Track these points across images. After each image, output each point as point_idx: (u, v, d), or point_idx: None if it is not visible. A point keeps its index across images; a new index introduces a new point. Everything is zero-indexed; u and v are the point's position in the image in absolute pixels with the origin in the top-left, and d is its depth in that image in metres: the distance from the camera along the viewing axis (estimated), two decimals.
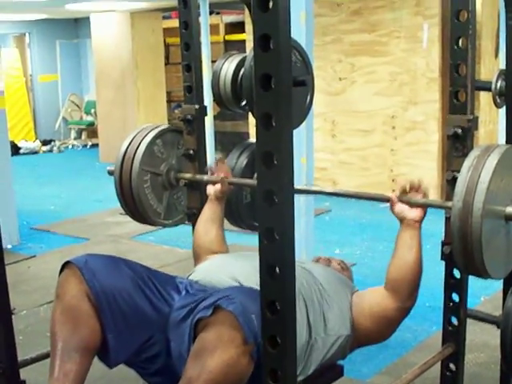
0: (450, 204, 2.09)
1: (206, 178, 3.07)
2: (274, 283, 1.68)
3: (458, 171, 2.44)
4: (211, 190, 3.00)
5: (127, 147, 3.06)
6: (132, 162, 3.02)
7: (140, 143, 3.04)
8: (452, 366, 2.76)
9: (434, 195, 7.60)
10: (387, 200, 2.56)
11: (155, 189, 3.11)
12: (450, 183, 2.49)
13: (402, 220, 2.53)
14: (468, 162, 2.08)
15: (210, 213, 2.98)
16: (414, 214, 2.50)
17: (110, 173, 3.10)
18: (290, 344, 1.73)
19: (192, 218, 3.23)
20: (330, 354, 2.49)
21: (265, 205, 1.64)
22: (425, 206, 2.50)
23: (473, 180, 2.02)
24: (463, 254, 2.02)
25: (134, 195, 3.03)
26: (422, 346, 3.91)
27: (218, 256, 2.83)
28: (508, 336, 2.51)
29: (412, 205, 2.49)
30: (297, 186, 1.88)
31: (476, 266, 2.02)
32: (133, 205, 3.07)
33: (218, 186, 2.97)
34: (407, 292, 2.51)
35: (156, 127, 3.14)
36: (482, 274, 2.07)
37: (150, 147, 3.06)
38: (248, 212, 3.09)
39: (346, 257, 5.52)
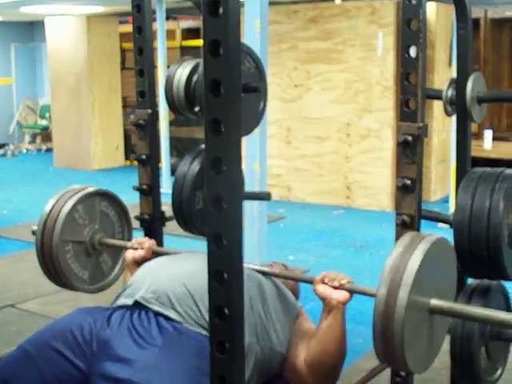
0: (374, 292, 2.01)
1: (129, 244, 3.04)
2: (221, 289, 1.68)
3: (408, 178, 2.48)
4: (130, 254, 2.98)
5: (47, 215, 2.96)
6: (52, 233, 2.93)
7: (59, 212, 2.95)
8: (402, 372, 2.77)
9: (387, 202, 7.67)
10: (311, 281, 2.49)
11: (79, 256, 3.04)
12: (399, 190, 2.51)
13: (324, 300, 2.44)
14: (396, 251, 2.01)
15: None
16: (338, 294, 2.41)
17: (34, 233, 3.02)
18: (239, 349, 1.73)
19: (144, 223, 3.22)
20: (270, 363, 2.50)
21: (213, 210, 1.63)
22: (349, 291, 2.42)
23: (400, 269, 1.95)
24: (383, 346, 1.95)
25: (56, 267, 2.96)
26: (373, 352, 3.92)
27: (153, 262, 2.80)
28: (458, 342, 2.53)
29: (336, 287, 2.41)
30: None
31: (397, 360, 1.96)
32: (56, 274, 3.01)
33: (140, 252, 2.95)
34: (325, 374, 2.49)
35: (77, 192, 3.04)
36: (403, 367, 2.02)
37: (71, 215, 2.97)
38: (200, 218, 3.08)
39: (299, 263, 5.56)
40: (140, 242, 3.00)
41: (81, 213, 3.02)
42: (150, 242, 2.99)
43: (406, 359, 1.94)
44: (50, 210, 2.96)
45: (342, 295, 2.41)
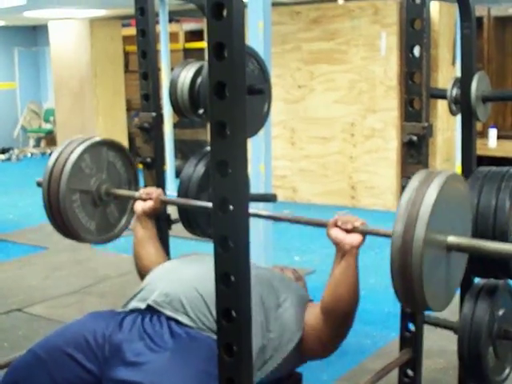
0: (389, 232, 1.98)
1: (137, 194, 3.02)
2: (229, 291, 1.67)
3: None
4: (139, 206, 2.96)
5: (53, 164, 2.91)
6: (59, 182, 2.88)
7: (66, 161, 2.89)
8: (410, 371, 2.78)
9: (392, 202, 7.66)
10: (325, 224, 2.45)
11: (86, 206, 3.00)
12: None
13: (338, 245, 2.42)
14: (409, 188, 1.97)
15: (143, 232, 2.95)
16: (351, 238, 2.38)
17: (39, 184, 2.97)
18: (246, 352, 1.73)
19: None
20: (285, 359, 2.50)
21: (220, 213, 1.63)
22: (363, 233, 2.39)
23: (416, 202, 1.92)
24: (402, 283, 1.93)
25: (63, 216, 2.90)
26: (381, 353, 3.93)
27: (166, 265, 2.79)
28: (465, 341, 2.53)
29: (349, 231, 2.38)
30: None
31: (416, 297, 1.93)
32: (63, 224, 2.95)
33: (149, 202, 2.94)
34: (339, 321, 2.48)
35: (83, 141, 2.98)
36: (422, 305, 1.98)
37: (78, 164, 2.91)
38: (205, 220, 3.08)
39: (305, 264, 5.56)
40: (148, 191, 2.97)
41: (88, 162, 2.96)
42: (157, 192, 2.97)
43: (425, 296, 1.92)
44: (57, 159, 2.91)
45: (355, 239, 2.38)
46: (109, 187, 3.05)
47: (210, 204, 2.52)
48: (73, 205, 2.93)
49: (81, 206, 2.97)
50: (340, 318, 2.47)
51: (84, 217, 2.99)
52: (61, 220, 2.93)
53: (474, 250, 2.04)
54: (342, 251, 2.41)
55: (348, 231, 2.38)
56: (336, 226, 2.40)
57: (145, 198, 2.95)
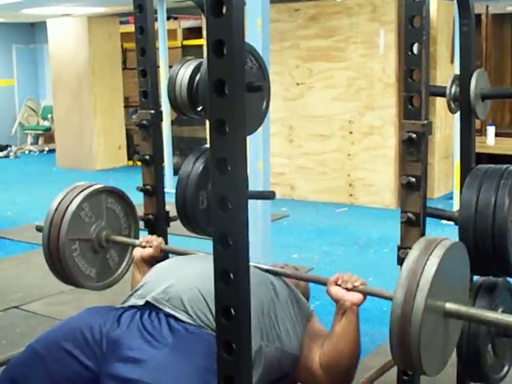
0: (390, 295, 2.02)
1: (137, 242, 3.03)
2: (228, 289, 1.67)
3: (413, 176, 2.47)
4: (138, 252, 2.98)
5: (53, 214, 2.95)
6: (58, 233, 2.92)
7: (66, 210, 2.93)
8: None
9: (391, 199, 7.66)
10: (325, 282, 2.48)
11: (86, 254, 3.03)
12: (404, 187, 2.50)
13: (338, 302, 2.43)
14: (412, 255, 2.01)
15: (140, 277, 2.91)
16: (351, 296, 2.41)
17: (38, 229, 3.02)
18: (245, 350, 1.72)
19: (149, 223, 3.22)
20: (280, 364, 2.50)
21: (219, 211, 1.63)
22: (362, 292, 2.42)
23: (416, 273, 1.95)
24: (400, 349, 1.95)
25: (63, 265, 2.95)
26: (379, 351, 3.92)
27: (166, 263, 2.79)
28: (464, 339, 2.53)
29: (349, 289, 2.41)
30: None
31: (413, 363, 1.96)
32: (62, 272, 3.00)
33: (148, 250, 2.95)
34: (339, 376, 2.49)
35: (83, 190, 3.01)
36: (418, 370, 2.02)
37: (77, 214, 2.95)
38: (204, 218, 3.08)
39: (303, 261, 5.56)
40: (148, 240, 2.99)
41: (87, 210, 3.00)
42: (158, 240, 2.99)
43: (422, 362, 1.95)
44: (56, 208, 2.95)
45: (356, 297, 2.41)
46: (108, 234, 3.09)
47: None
48: (73, 254, 2.98)
49: (81, 255, 3.01)
50: (340, 373, 2.49)
51: (84, 264, 3.03)
52: (61, 268, 2.99)
53: (470, 317, 2.06)
54: (342, 308, 2.43)
55: (348, 290, 2.41)
56: (336, 284, 2.43)
57: (144, 246, 2.97)
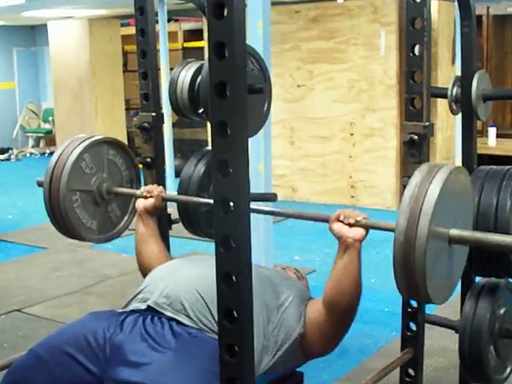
0: (393, 226, 1.99)
1: (138, 192, 3.02)
2: (230, 291, 1.67)
3: None
4: (141, 203, 2.96)
5: (53, 165, 2.93)
6: (59, 183, 2.89)
7: (66, 162, 2.90)
8: (411, 371, 2.78)
9: (392, 201, 7.66)
10: (327, 219, 2.47)
11: (87, 206, 3.00)
12: None
13: (340, 239, 2.43)
14: (412, 182, 1.99)
15: (144, 229, 2.95)
16: (354, 231, 2.39)
17: (39, 184, 2.99)
18: (248, 352, 1.72)
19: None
20: (286, 358, 2.50)
21: (221, 213, 1.63)
22: (365, 227, 2.40)
23: (419, 198, 1.93)
24: (405, 277, 1.94)
25: (64, 216, 2.91)
26: (382, 352, 3.92)
27: (166, 265, 2.78)
28: (466, 341, 2.53)
29: (352, 225, 2.40)
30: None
31: (418, 291, 1.95)
32: (64, 225, 2.96)
33: (150, 200, 2.94)
34: (342, 314, 2.49)
35: (83, 141, 2.99)
36: (424, 298, 2.00)
37: (77, 164, 2.92)
38: (206, 220, 3.08)
39: (305, 263, 5.56)
40: (149, 189, 2.97)
41: (87, 161, 2.97)
42: (158, 189, 2.97)
43: (428, 289, 1.93)
44: (57, 160, 2.92)
45: (358, 232, 2.39)
46: (110, 186, 3.05)
47: (210, 201, 2.51)
48: (73, 205, 2.93)
49: (81, 206, 2.97)
50: (343, 310, 2.47)
51: (85, 216, 2.99)
52: (62, 220, 2.93)
53: (475, 242, 2.04)
54: (344, 245, 2.41)
55: (350, 225, 2.39)
56: (338, 220, 2.41)
57: (146, 196, 2.95)
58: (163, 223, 3.22)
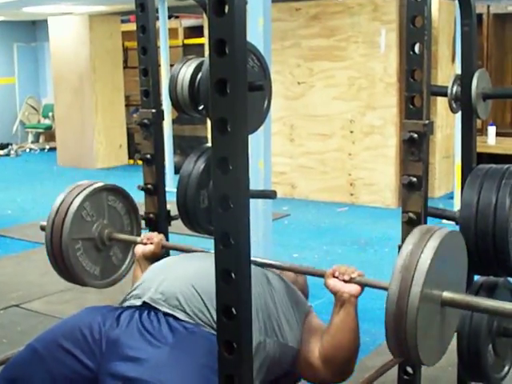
0: (386, 285, 2.01)
1: (139, 239, 3.04)
2: (229, 288, 1.67)
3: (414, 175, 2.48)
4: (140, 249, 2.98)
5: (55, 214, 2.95)
6: (61, 234, 2.92)
7: (67, 211, 2.93)
8: (409, 369, 2.77)
9: (391, 199, 7.66)
10: (322, 275, 2.48)
11: (89, 252, 3.03)
12: (405, 187, 2.50)
13: (336, 294, 2.43)
14: (405, 249, 2.00)
15: (141, 274, 2.88)
16: (349, 287, 2.40)
17: (43, 228, 3.01)
18: (246, 349, 1.73)
19: (150, 222, 3.22)
20: (281, 359, 2.50)
21: (220, 210, 1.63)
22: (360, 284, 2.41)
23: (410, 268, 1.94)
24: (396, 343, 1.97)
25: (67, 265, 2.95)
26: (380, 350, 3.92)
27: (163, 262, 2.79)
28: (465, 339, 2.53)
29: (347, 281, 2.40)
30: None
31: (410, 355, 1.97)
32: (67, 272, 3.00)
33: (149, 246, 2.96)
34: (338, 368, 2.50)
35: (83, 189, 3.00)
36: (416, 361, 2.02)
37: (78, 214, 2.95)
38: (205, 217, 3.08)
39: (304, 261, 5.55)
40: (149, 236, 3.00)
41: (88, 210, 3.00)
42: (159, 237, 2.99)
43: (419, 352, 1.94)
44: (58, 209, 2.95)
45: (354, 288, 2.40)
46: (111, 232, 3.09)
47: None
48: (76, 253, 2.98)
49: (84, 254, 3.01)
50: (340, 365, 2.49)
51: (88, 263, 3.04)
52: (64, 268, 2.99)
53: (467, 305, 2.06)
54: (341, 300, 2.42)
55: (345, 282, 2.41)
56: (333, 276, 2.43)
57: (145, 243, 2.98)
58: (162, 220, 3.22)
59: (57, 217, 2.94)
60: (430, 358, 2.05)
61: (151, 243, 2.97)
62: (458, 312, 2.20)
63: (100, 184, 3.08)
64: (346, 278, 2.41)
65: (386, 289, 2.01)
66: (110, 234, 3.08)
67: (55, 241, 2.94)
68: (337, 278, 2.42)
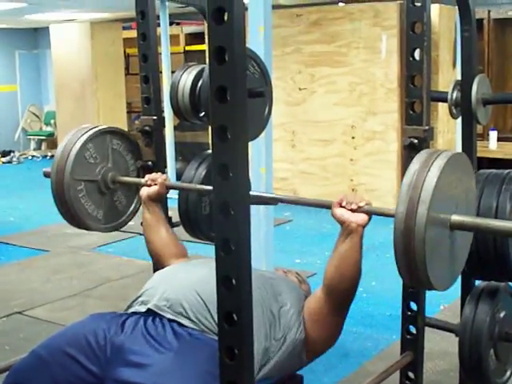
0: (394, 212, 1.98)
1: (143, 180, 3.03)
2: (230, 294, 1.68)
3: None
4: (145, 191, 2.99)
5: (59, 157, 2.96)
6: (63, 174, 2.92)
7: (70, 152, 2.94)
8: (411, 374, 2.78)
9: (393, 204, 7.63)
10: (329, 205, 2.47)
11: (92, 195, 3.02)
12: None
13: (343, 224, 2.41)
14: (413, 168, 1.98)
15: (150, 216, 2.98)
16: (357, 217, 2.38)
17: (46, 175, 3.03)
18: (248, 355, 1.73)
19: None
20: (287, 360, 2.50)
21: (221, 216, 1.64)
22: (367, 212, 2.38)
23: (417, 186, 1.92)
24: (406, 265, 1.93)
25: (70, 206, 2.95)
26: (382, 355, 3.93)
27: (167, 269, 2.80)
28: (466, 344, 2.53)
29: (354, 211, 2.39)
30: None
31: (420, 277, 1.94)
32: (69, 214, 2.99)
33: (154, 187, 2.97)
34: (341, 298, 2.49)
35: (86, 131, 3.02)
36: (426, 285, 1.99)
37: (81, 155, 2.95)
38: (206, 223, 3.09)
39: (306, 266, 5.55)
40: (153, 177, 3.00)
41: (91, 151, 3.00)
42: (162, 177, 3.00)
43: (429, 276, 1.93)
44: (62, 151, 2.96)
45: (361, 218, 2.37)
46: (115, 175, 3.08)
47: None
48: (78, 195, 2.97)
49: (87, 196, 3.00)
50: (342, 294, 2.47)
51: (91, 206, 3.03)
52: (67, 209, 2.98)
53: (477, 228, 2.03)
54: (347, 230, 2.40)
55: (353, 211, 2.38)
56: (341, 205, 2.41)
57: (150, 184, 2.98)
58: None
59: (60, 158, 2.95)
60: (441, 281, 2.02)
61: (155, 184, 2.98)
62: (469, 236, 2.16)
63: (104, 126, 3.09)
64: (354, 206, 2.38)
65: (393, 215, 1.98)
66: (114, 177, 3.07)
67: (58, 181, 2.94)
68: (344, 207, 2.40)
